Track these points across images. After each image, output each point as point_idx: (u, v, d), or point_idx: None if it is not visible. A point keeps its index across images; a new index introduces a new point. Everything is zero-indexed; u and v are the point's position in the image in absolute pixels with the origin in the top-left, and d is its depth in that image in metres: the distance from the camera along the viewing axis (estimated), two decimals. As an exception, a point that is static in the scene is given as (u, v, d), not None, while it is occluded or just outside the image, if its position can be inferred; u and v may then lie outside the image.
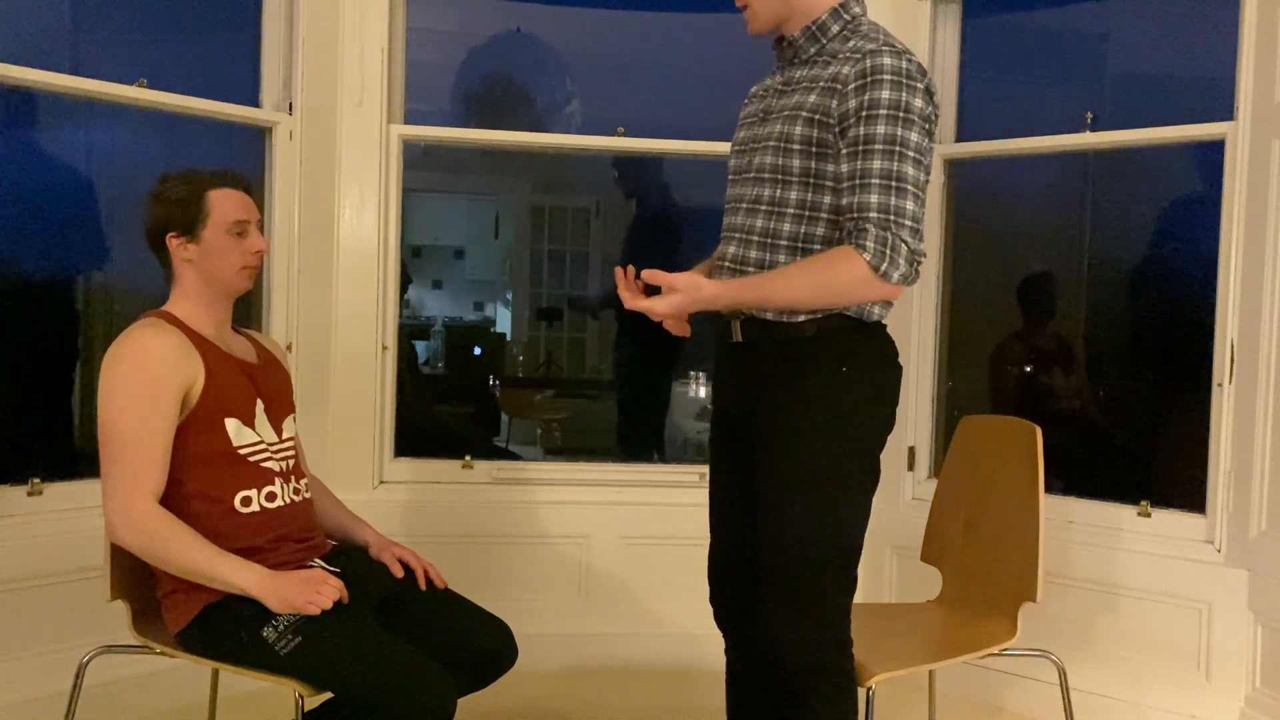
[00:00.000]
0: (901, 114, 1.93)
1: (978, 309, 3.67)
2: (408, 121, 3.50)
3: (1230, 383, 2.96)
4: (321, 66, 3.33)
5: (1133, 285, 3.52)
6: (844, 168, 1.97)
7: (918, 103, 1.94)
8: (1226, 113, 2.98)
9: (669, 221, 4.35)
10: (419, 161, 3.72)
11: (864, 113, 1.94)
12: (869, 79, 1.94)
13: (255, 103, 3.31)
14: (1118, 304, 3.59)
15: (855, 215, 1.94)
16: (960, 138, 3.52)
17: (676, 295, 1.92)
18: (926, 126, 1.97)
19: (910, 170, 1.94)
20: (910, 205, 1.94)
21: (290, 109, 3.31)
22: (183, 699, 2.94)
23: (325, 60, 3.33)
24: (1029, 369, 3.72)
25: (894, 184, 1.93)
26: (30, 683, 2.77)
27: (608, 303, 4.72)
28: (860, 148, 1.94)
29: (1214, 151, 3.02)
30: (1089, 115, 3.25)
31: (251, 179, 2.25)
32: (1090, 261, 3.62)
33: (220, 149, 3.26)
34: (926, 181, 2.00)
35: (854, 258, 1.92)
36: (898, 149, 1.93)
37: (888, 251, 1.91)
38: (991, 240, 3.70)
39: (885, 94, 1.93)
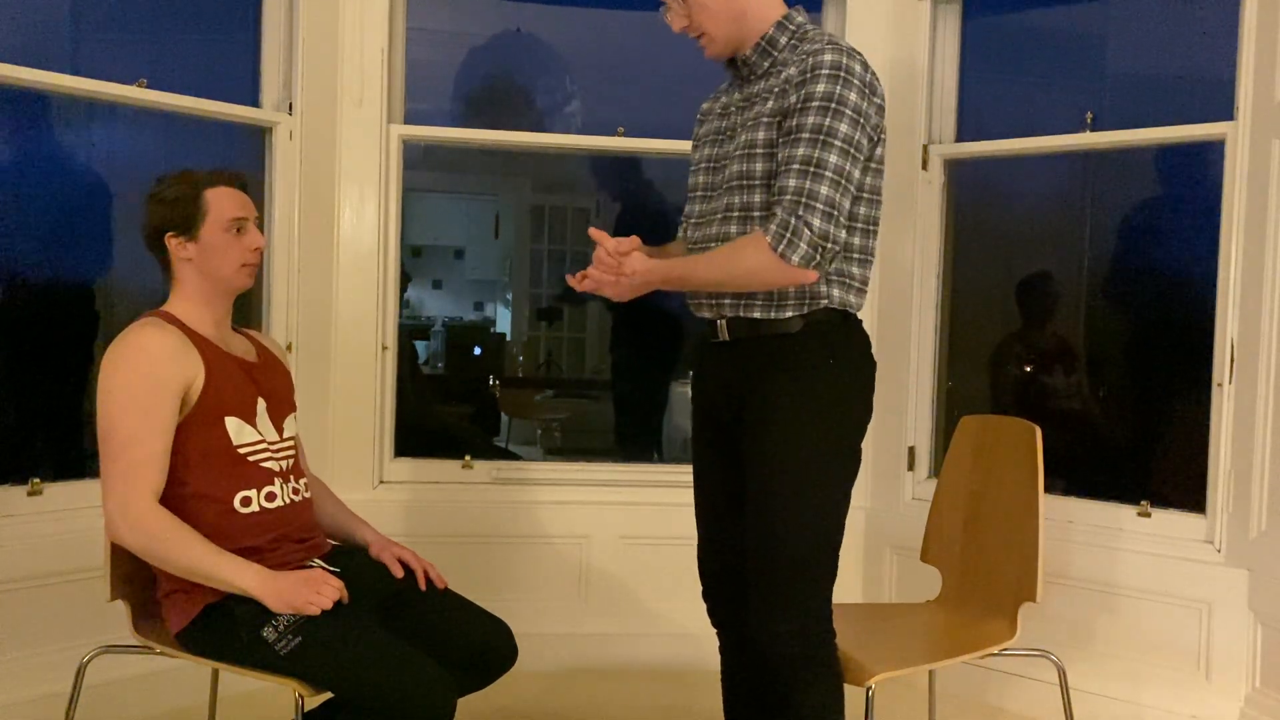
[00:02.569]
0: (833, 105, 1.98)
1: (978, 309, 3.66)
2: (408, 121, 3.50)
3: (1230, 383, 2.96)
4: (321, 66, 3.33)
5: (1133, 285, 3.52)
6: (779, 156, 2.03)
7: (852, 96, 1.99)
8: (1226, 113, 2.98)
9: (669, 221, 4.35)
10: (419, 161, 3.72)
11: (799, 105, 2.00)
12: (809, 74, 2.00)
13: (255, 103, 3.31)
14: (1118, 304, 3.59)
15: (775, 198, 2.00)
16: (960, 138, 3.52)
17: (618, 276, 2.02)
18: (860, 120, 2.00)
19: (833, 159, 1.98)
20: (825, 190, 1.97)
21: (290, 109, 3.31)
22: (183, 699, 2.94)
23: (325, 60, 3.34)
24: (1029, 369, 3.72)
25: (812, 169, 1.97)
26: (30, 683, 2.77)
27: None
28: (791, 137, 2.00)
29: (1214, 151, 3.02)
30: (1089, 115, 3.25)
31: (251, 179, 2.25)
32: (1090, 262, 3.62)
33: (220, 149, 3.26)
34: (860, 172, 2.03)
35: (759, 241, 1.99)
36: (823, 137, 1.98)
37: (787, 235, 1.96)
38: (991, 240, 3.70)
39: (820, 87, 1.99)
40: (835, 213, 1.98)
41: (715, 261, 2.04)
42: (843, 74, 1.99)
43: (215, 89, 3.19)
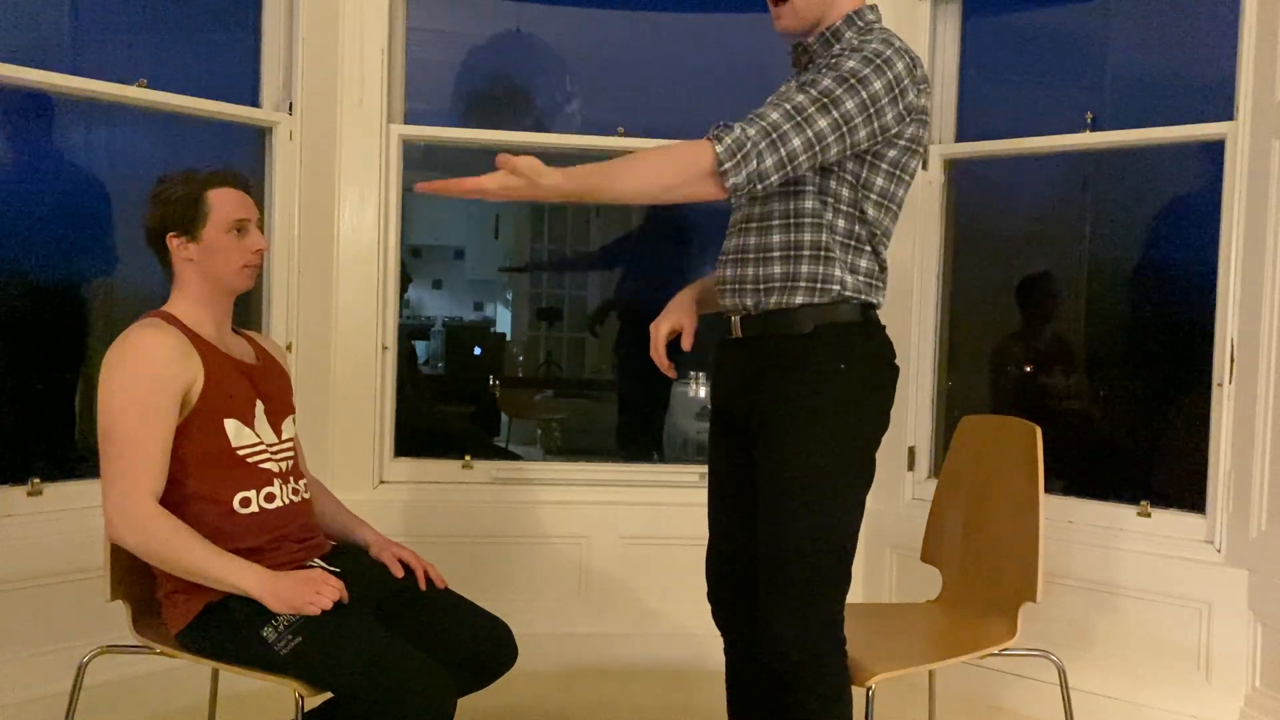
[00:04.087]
0: (852, 80, 1.94)
1: (978, 309, 3.66)
2: (408, 121, 3.50)
3: (1230, 383, 2.96)
4: (321, 66, 3.33)
5: (1133, 285, 3.52)
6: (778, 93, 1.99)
7: (876, 85, 1.94)
8: (1226, 113, 2.98)
9: (670, 221, 4.35)
10: (419, 161, 3.72)
11: (824, 68, 1.97)
12: (849, 52, 1.98)
13: (255, 103, 3.31)
14: (1118, 304, 3.59)
15: (748, 116, 1.92)
16: (960, 138, 3.52)
17: (512, 179, 1.80)
18: (870, 109, 1.94)
19: (822, 122, 1.91)
20: (796, 142, 1.90)
21: (290, 109, 3.31)
22: (183, 699, 2.94)
23: (325, 60, 3.33)
24: (1029, 369, 3.72)
25: (798, 118, 1.91)
26: (30, 683, 2.77)
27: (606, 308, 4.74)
28: (802, 88, 1.96)
29: (1214, 151, 3.02)
30: (1089, 115, 3.25)
31: (251, 179, 2.25)
32: (1090, 261, 3.62)
33: (220, 149, 3.26)
34: (834, 145, 1.94)
35: (703, 149, 1.89)
36: (825, 100, 1.92)
37: (739, 155, 1.88)
38: (991, 240, 3.70)
39: (850, 63, 1.96)
40: (789, 167, 1.92)
41: (641, 159, 1.89)
42: (878, 61, 1.95)
43: (215, 89, 3.19)
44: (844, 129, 1.93)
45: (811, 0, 2.07)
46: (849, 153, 1.99)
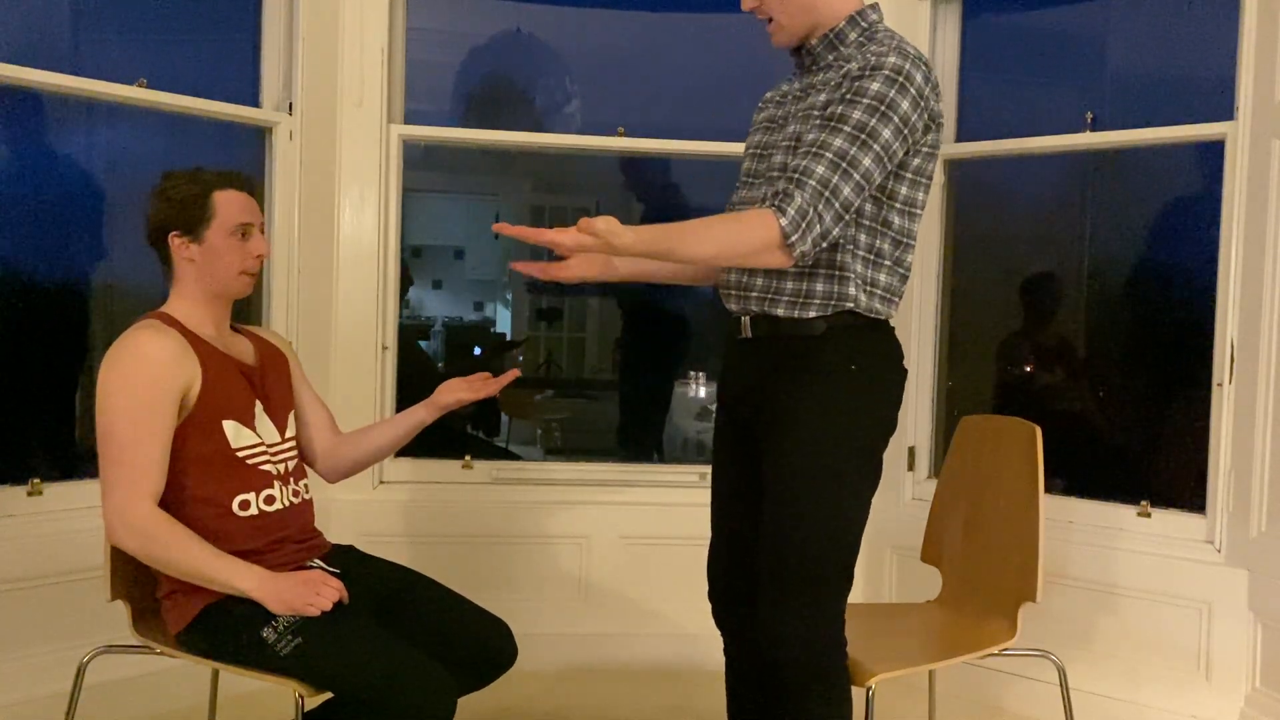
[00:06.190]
0: (882, 107, 1.94)
1: (978, 309, 3.66)
2: (408, 121, 3.50)
3: (1230, 383, 2.96)
4: (321, 66, 3.33)
5: (1133, 285, 3.52)
6: (809, 135, 1.98)
7: (904, 105, 1.95)
8: (1226, 113, 2.98)
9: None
10: (419, 161, 3.72)
11: (849, 96, 1.95)
12: (868, 71, 1.96)
13: (255, 103, 3.31)
14: (1118, 304, 3.59)
15: (794, 176, 1.93)
16: (960, 138, 3.52)
17: (586, 237, 1.76)
18: (904, 130, 1.96)
19: (866, 161, 1.93)
20: (847, 191, 1.92)
21: (290, 109, 3.31)
22: (183, 699, 2.94)
23: (325, 60, 3.34)
24: (1029, 369, 3.72)
25: (844, 165, 1.92)
26: (30, 683, 2.77)
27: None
28: (831, 123, 1.95)
29: (1214, 151, 3.02)
30: (1089, 115, 3.25)
31: (252, 179, 2.25)
32: (1090, 261, 3.62)
33: (220, 149, 3.26)
34: (879, 177, 1.96)
35: (770, 222, 1.90)
36: (864, 136, 1.93)
37: (804, 225, 1.90)
38: (991, 240, 3.70)
39: (875, 86, 1.94)
40: (846, 217, 1.95)
41: (709, 233, 1.91)
42: (901, 79, 1.95)
43: (215, 89, 3.19)
44: (885, 158, 1.95)
45: (795, 14, 2.08)
46: (900, 176, 2.02)
